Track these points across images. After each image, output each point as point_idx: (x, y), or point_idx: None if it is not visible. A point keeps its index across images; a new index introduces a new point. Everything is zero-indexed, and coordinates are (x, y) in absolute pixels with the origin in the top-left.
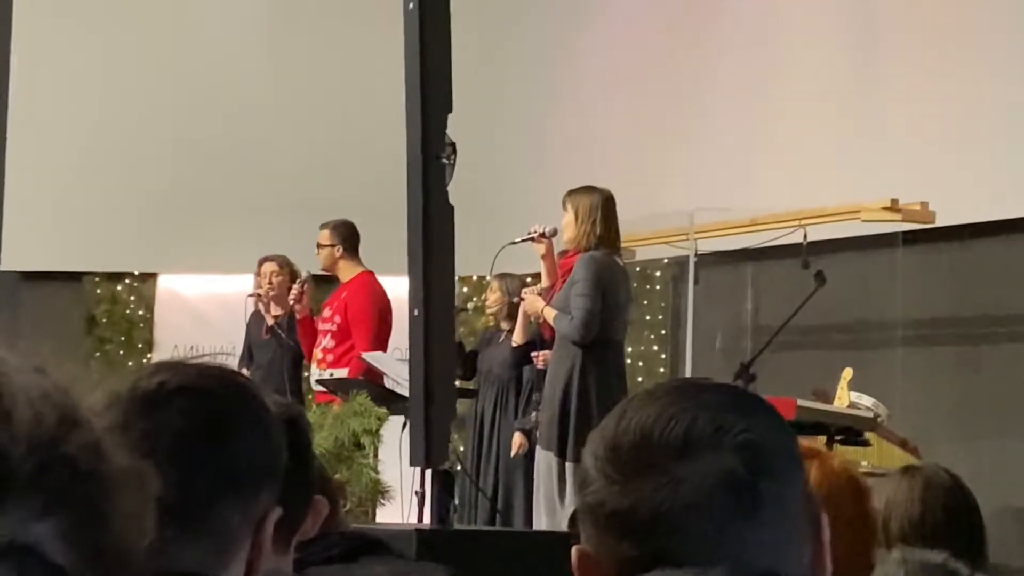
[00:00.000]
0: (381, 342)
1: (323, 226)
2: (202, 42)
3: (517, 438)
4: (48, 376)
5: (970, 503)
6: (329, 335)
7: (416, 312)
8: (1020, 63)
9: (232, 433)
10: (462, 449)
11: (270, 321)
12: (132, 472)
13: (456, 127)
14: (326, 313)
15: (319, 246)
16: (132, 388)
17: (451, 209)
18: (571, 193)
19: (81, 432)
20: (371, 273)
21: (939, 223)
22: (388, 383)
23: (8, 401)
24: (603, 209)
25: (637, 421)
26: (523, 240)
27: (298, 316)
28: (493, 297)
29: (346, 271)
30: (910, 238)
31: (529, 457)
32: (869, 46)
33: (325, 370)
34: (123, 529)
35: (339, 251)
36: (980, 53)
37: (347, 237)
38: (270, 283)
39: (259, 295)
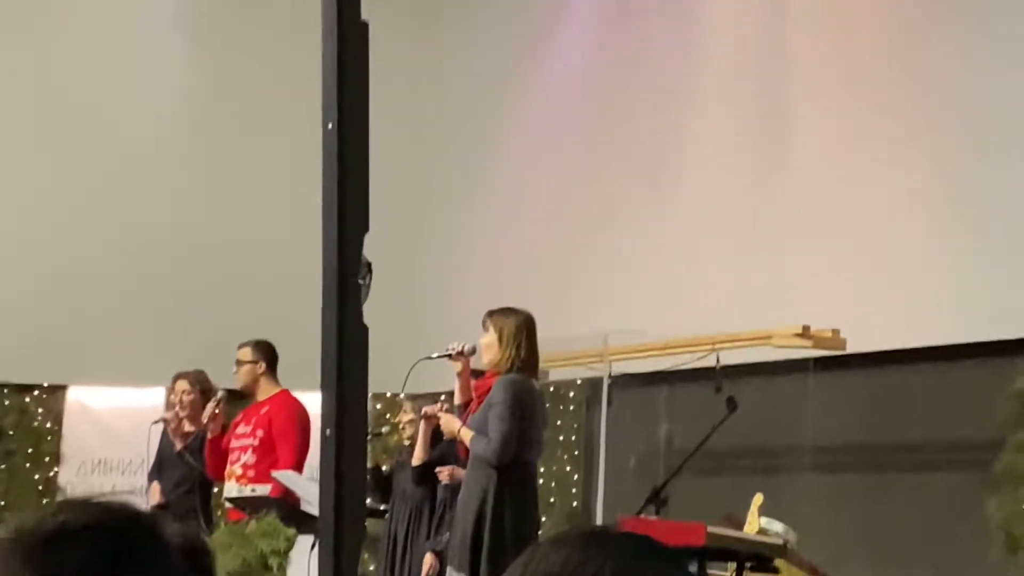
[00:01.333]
0: (303, 458)
1: (243, 344)
2: (118, 154)
3: (428, 558)
4: None
5: None
6: (250, 450)
7: (328, 432)
8: (929, 194)
9: (135, 571)
10: (372, 568)
11: (179, 445)
12: None
13: (374, 243)
14: (242, 429)
15: (239, 363)
16: (35, 528)
17: (365, 330)
18: (493, 314)
19: None
20: (289, 392)
21: (850, 350)
22: (303, 504)
23: None
24: (527, 332)
25: (543, 568)
26: (440, 356)
27: (210, 435)
28: (406, 418)
29: (266, 388)
30: (821, 364)
31: None
32: (781, 173)
33: (246, 485)
34: None
35: (260, 368)
36: (890, 184)
37: (268, 355)
38: (181, 401)
39: (165, 420)
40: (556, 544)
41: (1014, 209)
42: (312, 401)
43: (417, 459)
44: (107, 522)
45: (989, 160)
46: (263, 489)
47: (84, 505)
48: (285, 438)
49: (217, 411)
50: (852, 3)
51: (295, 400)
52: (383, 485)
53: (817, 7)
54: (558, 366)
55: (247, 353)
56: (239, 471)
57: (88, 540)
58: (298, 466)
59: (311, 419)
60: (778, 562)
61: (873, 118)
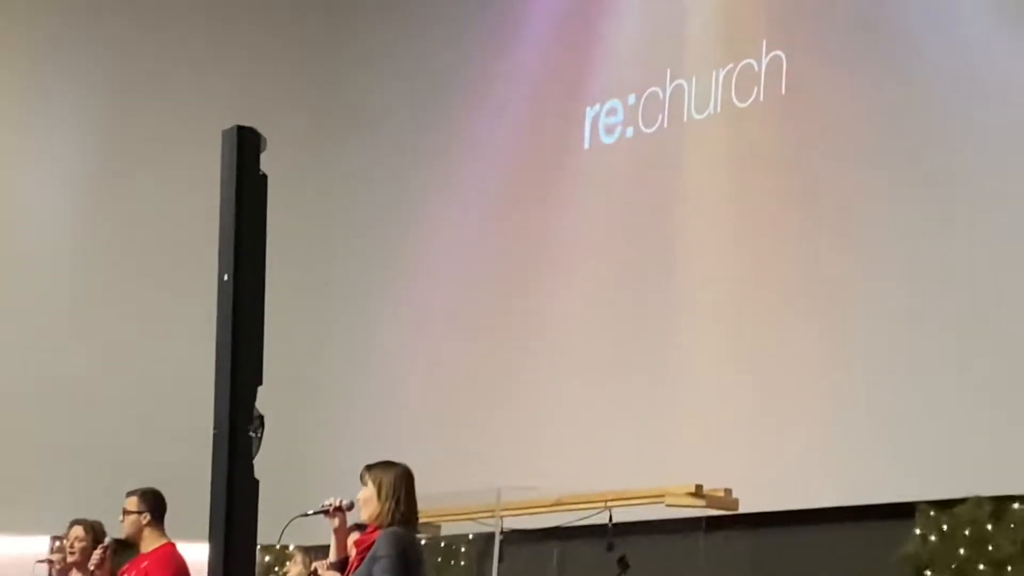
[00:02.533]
0: None
1: (130, 493)
2: (11, 298)
3: None
4: None
5: None
6: None
7: None
8: (820, 360)
9: None
10: None
11: None
12: None
13: (264, 394)
14: None
15: (125, 512)
16: None
17: (256, 483)
18: (371, 468)
19: None
20: (174, 545)
21: (742, 510)
22: None
23: None
24: (405, 484)
25: None
26: (316, 512)
27: None
28: (295, 570)
29: (150, 540)
30: (714, 524)
31: None
32: (675, 336)
33: None
34: None
35: (146, 519)
36: (782, 349)
37: (155, 506)
38: (72, 547)
39: (50, 561)
40: None
41: (904, 376)
42: (195, 552)
43: None
44: None
45: (878, 330)
46: None
47: None
48: None
49: (103, 558)
50: (746, 155)
51: (176, 555)
52: None
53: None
54: (450, 521)
55: (133, 503)
56: None
57: None
58: None
59: (196, 568)
60: None
61: (764, 283)
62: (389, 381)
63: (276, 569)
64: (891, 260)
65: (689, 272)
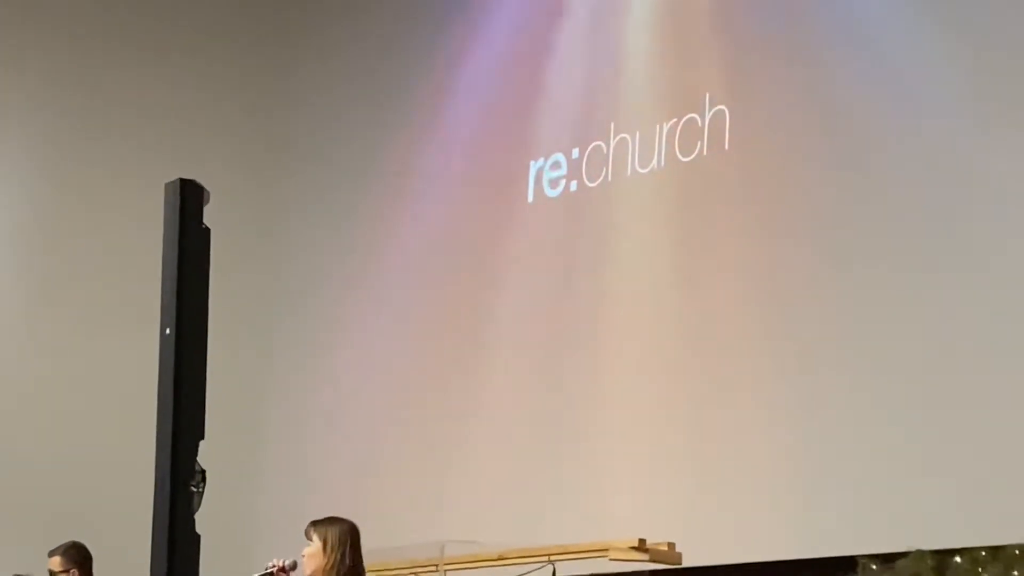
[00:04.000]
0: None
1: (52, 552)
2: None
3: None
4: None
5: None
6: None
7: None
8: (760, 415)
9: None
10: None
11: None
12: None
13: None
14: None
15: (52, 574)
16: None
17: (197, 538)
18: (316, 523)
19: None
20: None
21: (685, 564)
22: None
23: None
24: (351, 539)
25: None
26: (261, 575)
27: None
28: None
29: None
30: None
31: None
32: (613, 392)
33: None
34: None
35: (74, 575)
36: (723, 402)
37: (80, 560)
38: None
39: None
40: None
41: (846, 429)
42: None
43: None
44: None
45: (819, 383)
46: None
47: None
48: None
49: None
50: (690, 209)
51: None
52: None
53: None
54: (393, 574)
55: (57, 563)
56: None
57: None
58: None
59: None
60: None
61: (707, 336)
62: (330, 437)
63: None
64: (832, 316)
65: (631, 325)
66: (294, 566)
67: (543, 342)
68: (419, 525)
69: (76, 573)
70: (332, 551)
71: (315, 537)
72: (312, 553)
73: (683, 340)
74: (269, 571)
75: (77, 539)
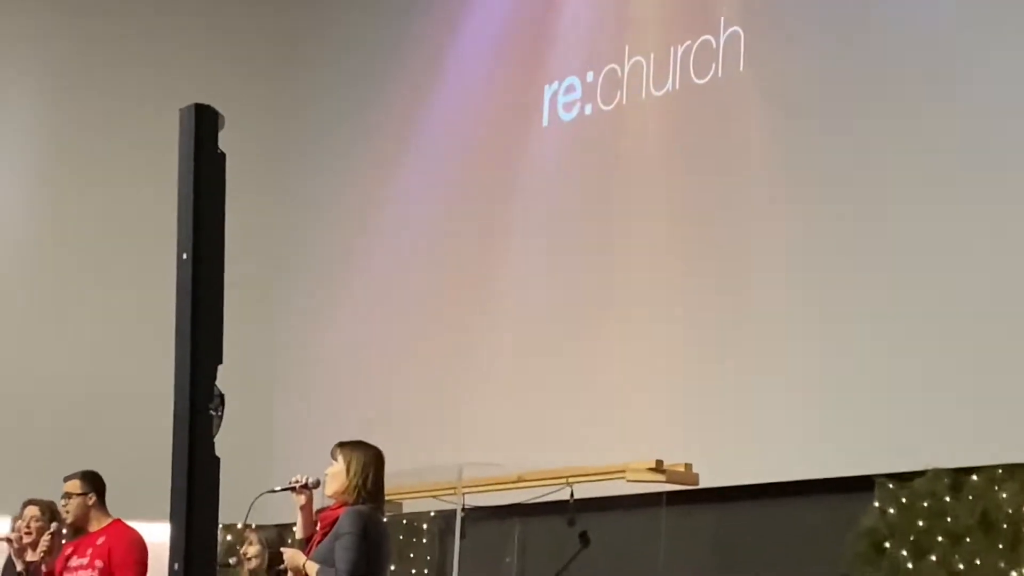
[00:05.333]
0: None
1: (69, 477)
2: None
3: None
4: None
5: None
6: None
7: (176, 567)
8: (778, 332)
9: None
10: None
11: (20, 567)
12: None
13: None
14: (76, 561)
15: (68, 496)
16: None
17: (217, 462)
18: (344, 445)
19: None
20: (122, 520)
21: (702, 485)
22: None
23: None
24: (376, 466)
25: None
26: (283, 489)
27: (44, 568)
28: (252, 550)
29: (97, 520)
30: (674, 499)
31: None
32: (633, 308)
33: None
34: None
35: (91, 499)
36: (742, 321)
37: (97, 486)
38: (28, 528)
39: (9, 540)
40: None
41: (864, 350)
42: (155, 530)
43: None
44: None
45: (839, 303)
46: None
47: None
48: (125, 568)
49: (51, 545)
50: (705, 130)
51: (131, 529)
52: None
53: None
54: (412, 498)
55: (76, 485)
56: None
57: None
58: None
59: (156, 548)
60: None
61: (725, 255)
62: (351, 359)
63: (237, 548)
64: (855, 232)
65: (646, 247)
66: (316, 484)
67: (558, 264)
68: (437, 448)
69: (93, 497)
70: (355, 474)
71: (340, 458)
72: (335, 473)
73: (700, 260)
74: (291, 486)
75: (94, 468)
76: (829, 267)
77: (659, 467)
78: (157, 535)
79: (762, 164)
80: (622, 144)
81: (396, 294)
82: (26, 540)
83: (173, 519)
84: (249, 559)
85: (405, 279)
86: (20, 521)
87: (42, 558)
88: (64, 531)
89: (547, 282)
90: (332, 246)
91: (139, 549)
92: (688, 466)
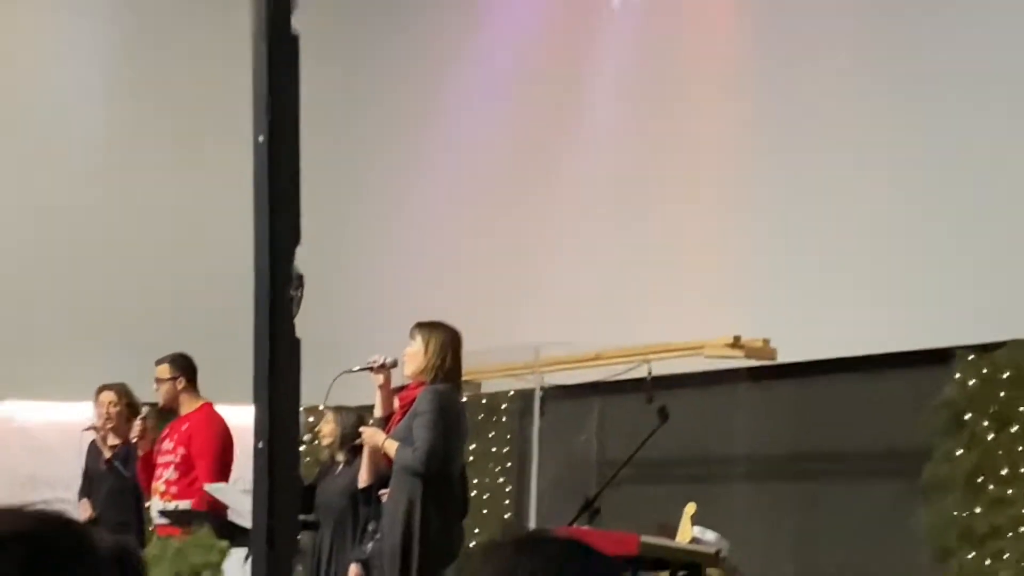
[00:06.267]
0: (224, 474)
1: (160, 361)
2: (42, 162)
3: (353, 569)
4: None
5: None
6: (172, 467)
7: (260, 445)
8: (859, 204)
9: None
10: None
11: (107, 454)
12: None
13: (301, 252)
14: (167, 445)
15: (158, 381)
16: None
17: (297, 342)
18: (422, 325)
19: None
20: (211, 405)
21: (781, 360)
22: (231, 515)
23: None
24: (453, 346)
25: (479, 574)
26: (361, 369)
27: (140, 452)
28: (327, 428)
29: (188, 403)
30: (753, 374)
31: None
32: (711, 186)
33: (169, 502)
34: None
35: (181, 384)
36: (820, 194)
37: (187, 369)
38: (107, 413)
39: (95, 428)
40: (490, 550)
41: (943, 220)
42: (241, 414)
43: (363, 480)
44: (37, 531)
45: (918, 171)
46: (185, 504)
47: (14, 514)
48: (203, 455)
49: (144, 429)
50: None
51: (216, 415)
52: (307, 497)
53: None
54: (490, 377)
55: (165, 370)
56: (162, 487)
57: (18, 549)
58: (220, 480)
59: (241, 431)
60: (710, 571)
61: (807, 128)
62: (426, 239)
63: (317, 429)
64: (934, 100)
65: (718, 119)
66: (394, 363)
67: (634, 139)
68: (515, 328)
69: (183, 381)
70: (433, 354)
71: (418, 338)
72: (413, 353)
73: (773, 130)
74: (370, 365)
75: (169, 352)
76: (912, 133)
77: (737, 343)
78: (243, 417)
79: (834, 24)
80: (689, 19)
81: (471, 172)
82: (108, 426)
83: (256, 400)
84: (324, 438)
85: (479, 158)
86: (99, 407)
87: (136, 443)
88: (144, 414)
89: (621, 156)
90: (408, 126)
91: (220, 439)
92: (766, 341)
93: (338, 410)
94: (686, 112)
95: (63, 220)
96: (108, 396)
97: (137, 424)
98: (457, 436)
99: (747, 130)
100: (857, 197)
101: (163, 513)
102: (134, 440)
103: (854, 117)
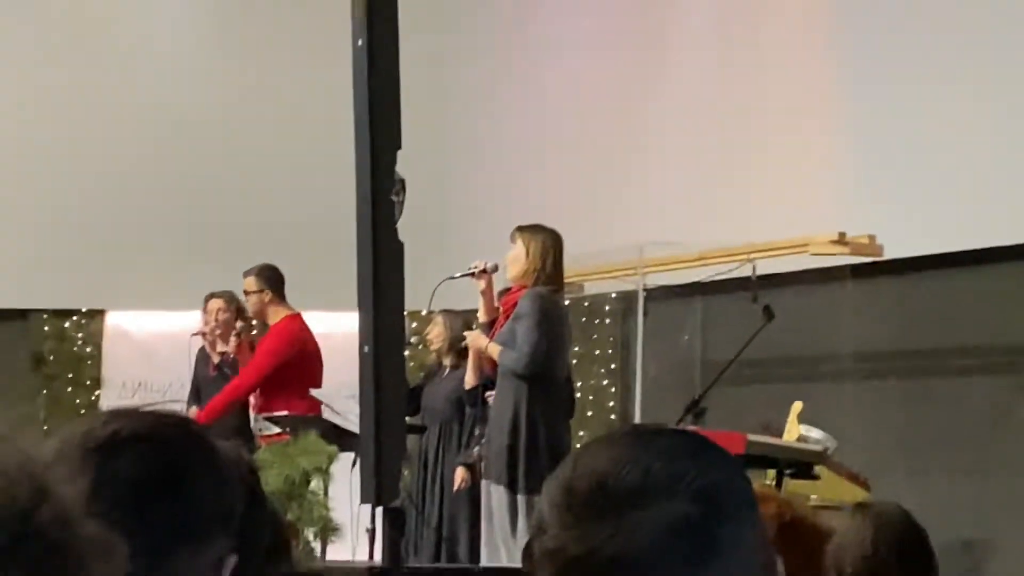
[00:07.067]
0: (271, 382)
1: (247, 273)
2: (147, 77)
3: (460, 472)
4: (14, 444)
5: (922, 539)
6: None
7: (366, 349)
8: (966, 98)
9: (187, 483)
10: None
11: (216, 359)
12: (101, 543)
13: (399, 161)
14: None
15: (246, 293)
16: (85, 437)
17: (400, 246)
18: (523, 229)
19: (52, 504)
20: (295, 317)
21: (886, 256)
22: (336, 419)
23: None
24: (554, 249)
25: (592, 467)
26: (463, 276)
27: (242, 362)
28: (436, 332)
29: (273, 315)
30: (858, 271)
31: (472, 491)
32: (819, 78)
33: (258, 413)
34: None
35: (267, 296)
36: (925, 87)
37: (273, 281)
38: (216, 320)
39: (204, 333)
40: (605, 443)
41: None
42: (345, 320)
43: (468, 382)
44: (158, 431)
45: (1018, 47)
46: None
47: (135, 414)
48: (260, 354)
49: (240, 344)
50: None
51: (290, 326)
52: (413, 400)
53: None
54: (593, 279)
55: (252, 283)
56: (251, 399)
57: (140, 448)
58: (269, 394)
59: (346, 338)
60: (818, 469)
61: (906, 25)
62: (528, 142)
63: (422, 334)
64: None
65: (830, 20)
66: (495, 268)
67: (736, 31)
68: (617, 229)
69: (269, 294)
70: (535, 257)
71: (519, 242)
72: (515, 257)
73: (876, 20)
74: (471, 271)
75: (278, 260)
76: (1010, 19)
77: (842, 239)
78: (346, 323)
79: None
80: None
81: (572, 71)
82: (217, 331)
83: (361, 305)
84: (432, 341)
85: (579, 56)
86: (207, 315)
87: (236, 350)
88: (239, 329)
89: (721, 57)
90: (506, 26)
91: (281, 338)
92: (872, 237)
93: (446, 313)
94: (790, 5)
95: (169, 129)
96: (216, 303)
97: (232, 340)
98: (559, 338)
99: (852, 20)
100: (964, 84)
101: (270, 419)
102: (231, 355)
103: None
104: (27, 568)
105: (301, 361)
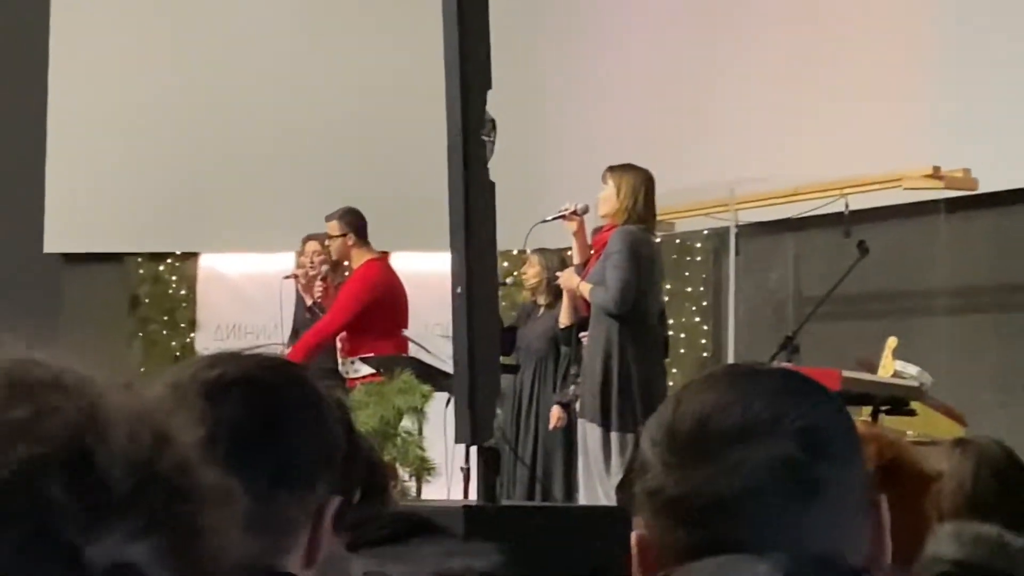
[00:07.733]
0: (366, 329)
1: (329, 217)
2: (238, 26)
3: (555, 411)
4: (136, 392)
5: (1022, 475)
6: None
7: (459, 289)
8: None
9: (290, 426)
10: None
11: (309, 301)
12: (220, 488)
13: (490, 101)
14: None
15: (330, 238)
16: (191, 380)
17: (492, 186)
18: (614, 169)
19: (173, 450)
20: (378, 261)
21: (981, 190)
22: (428, 359)
23: (103, 422)
24: (645, 188)
25: (693, 408)
26: (554, 218)
27: (328, 306)
28: (532, 271)
29: (357, 258)
30: (952, 205)
31: (567, 430)
32: (910, 11)
33: (346, 357)
34: (215, 545)
35: (351, 240)
36: (1016, 17)
37: (355, 224)
38: (311, 262)
39: (295, 276)
40: (706, 384)
41: None
42: (438, 260)
43: (563, 321)
44: (261, 374)
45: None
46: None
47: (238, 358)
48: (342, 296)
49: (326, 288)
50: None
51: (373, 269)
52: (507, 340)
53: None
54: (684, 217)
55: (334, 227)
56: (338, 343)
57: (245, 392)
58: (339, 331)
59: (437, 279)
60: (914, 404)
61: None
62: (619, 81)
63: (514, 274)
64: None
65: None
66: (586, 210)
67: None
68: (709, 167)
69: (352, 237)
70: (626, 196)
71: (611, 182)
72: (606, 197)
73: None
74: (562, 213)
75: (370, 202)
76: None
77: (936, 173)
78: (438, 264)
79: None
80: None
81: (662, 9)
82: (312, 274)
83: (453, 244)
84: (528, 279)
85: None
86: (303, 257)
87: (323, 294)
88: (324, 274)
89: None
90: None
91: (364, 282)
92: (966, 171)
93: (541, 252)
94: None
95: (265, 70)
96: (312, 246)
97: (318, 285)
98: (651, 276)
99: None
100: None
101: (365, 360)
102: (318, 299)
103: None
104: (149, 515)
105: (386, 303)
